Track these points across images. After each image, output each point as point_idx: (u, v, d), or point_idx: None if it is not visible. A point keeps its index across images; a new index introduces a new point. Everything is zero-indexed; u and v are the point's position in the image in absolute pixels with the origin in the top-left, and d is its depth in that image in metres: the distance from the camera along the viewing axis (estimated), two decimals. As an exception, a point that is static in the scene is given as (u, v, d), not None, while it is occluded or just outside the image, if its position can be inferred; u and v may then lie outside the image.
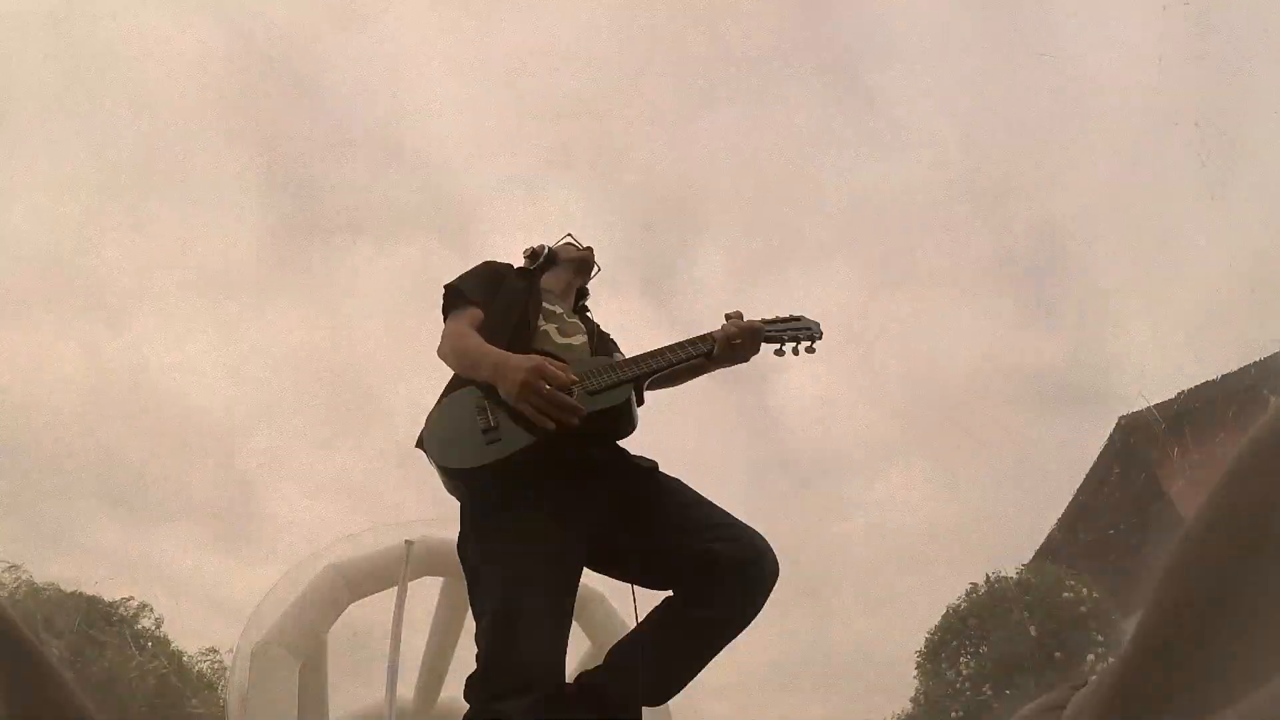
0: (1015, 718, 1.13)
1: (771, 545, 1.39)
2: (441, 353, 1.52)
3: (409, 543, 3.83)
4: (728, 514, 1.41)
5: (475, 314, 1.54)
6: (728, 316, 1.55)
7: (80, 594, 7.83)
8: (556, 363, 1.33)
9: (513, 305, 1.57)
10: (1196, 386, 7.41)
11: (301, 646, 3.54)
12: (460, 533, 1.37)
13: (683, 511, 1.42)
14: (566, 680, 1.29)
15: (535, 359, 1.32)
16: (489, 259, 1.74)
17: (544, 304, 1.64)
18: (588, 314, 1.82)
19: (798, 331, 1.55)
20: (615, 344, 1.72)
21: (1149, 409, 7.79)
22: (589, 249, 1.84)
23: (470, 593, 1.33)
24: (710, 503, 1.44)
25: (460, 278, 1.63)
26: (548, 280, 1.77)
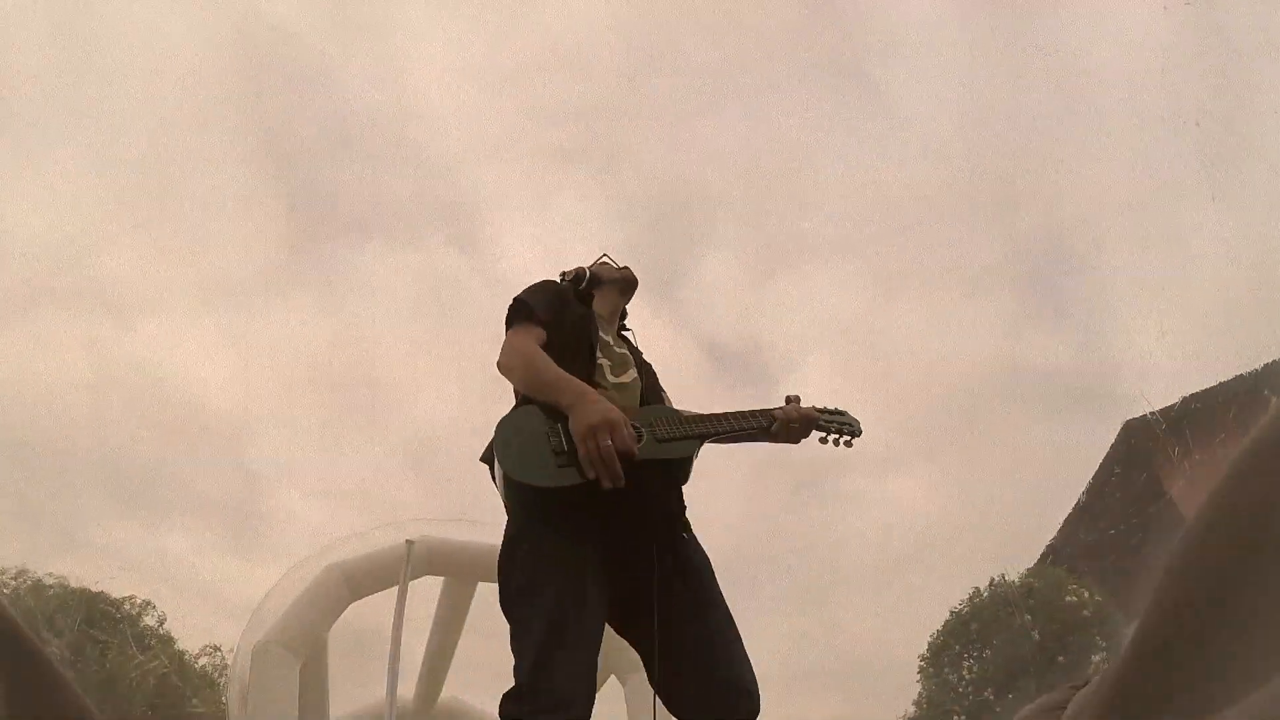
0: (1016, 717, 1.13)
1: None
2: (506, 366, 1.51)
3: (410, 542, 3.82)
4: (738, 643, 1.40)
5: (540, 334, 1.53)
6: (788, 400, 1.62)
7: (85, 590, 7.86)
8: (630, 428, 1.34)
9: (576, 335, 1.58)
10: (1200, 391, 7.38)
11: (302, 646, 3.54)
12: (507, 545, 1.39)
13: (705, 633, 1.39)
14: None
15: (617, 413, 1.33)
16: (547, 279, 1.72)
17: (600, 334, 1.64)
18: (627, 333, 1.80)
19: (843, 425, 1.66)
20: (654, 373, 1.73)
21: (1152, 413, 7.76)
22: (627, 268, 1.82)
23: (513, 602, 1.34)
24: (730, 626, 1.42)
25: (528, 292, 1.62)
26: (596, 304, 1.75)
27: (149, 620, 8.49)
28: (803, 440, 1.61)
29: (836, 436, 1.65)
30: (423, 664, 4.90)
